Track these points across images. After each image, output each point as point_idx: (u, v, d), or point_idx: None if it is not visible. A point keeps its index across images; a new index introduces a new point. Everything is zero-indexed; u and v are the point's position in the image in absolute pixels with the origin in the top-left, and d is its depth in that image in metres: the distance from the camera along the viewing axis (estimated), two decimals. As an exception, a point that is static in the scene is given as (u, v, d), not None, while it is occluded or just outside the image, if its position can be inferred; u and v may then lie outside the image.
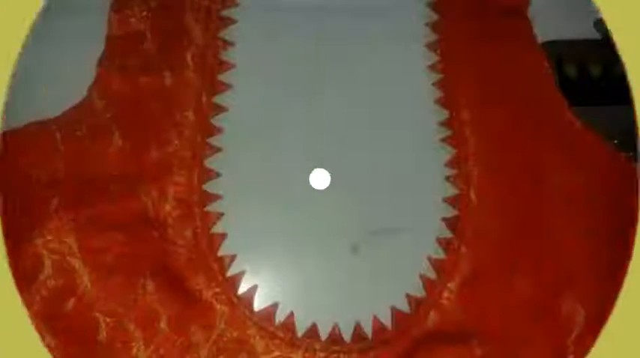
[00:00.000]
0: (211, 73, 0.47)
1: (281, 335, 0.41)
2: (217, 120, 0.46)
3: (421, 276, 0.43)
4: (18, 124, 0.44)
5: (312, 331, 0.42)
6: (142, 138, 0.44)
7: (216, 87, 0.47)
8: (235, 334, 0.41)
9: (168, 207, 0.43)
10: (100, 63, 0.45)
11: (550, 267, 0.43)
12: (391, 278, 0.44)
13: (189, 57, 0.46)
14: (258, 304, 0.43)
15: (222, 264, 0.43)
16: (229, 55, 0.48)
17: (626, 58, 0.40)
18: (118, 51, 0.46)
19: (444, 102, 0.47)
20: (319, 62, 0.49)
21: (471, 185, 0.45)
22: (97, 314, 0.40)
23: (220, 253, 0.43)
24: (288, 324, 0.42)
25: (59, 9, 0.48)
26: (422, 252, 0.44)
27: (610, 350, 0.37)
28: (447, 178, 0.45)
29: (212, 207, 0.44)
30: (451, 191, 0.45)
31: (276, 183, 0.46)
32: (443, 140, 0.46)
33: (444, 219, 0.45)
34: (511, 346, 0.42)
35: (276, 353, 0.41)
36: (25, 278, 0.41)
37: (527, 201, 0.44)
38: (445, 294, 0.43)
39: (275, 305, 0.43)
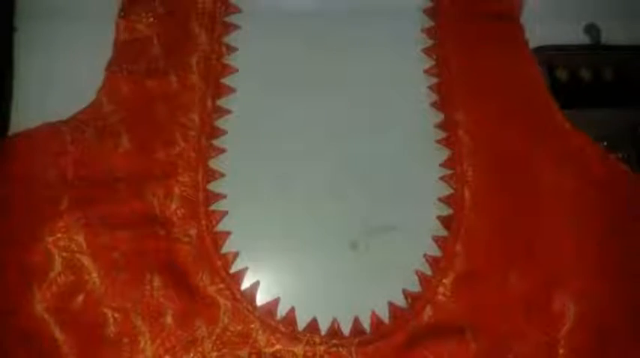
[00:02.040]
0: (215, 76, 0.47)
1: (282, 329, 0.42)
2: (221, 123, 0.47)
3: (417, 273, 0.44)
4: (29, 126, 0.45)
5: (313, 325, 0.43)
6: (148, 140, 0.45)
7: (220, 90, 0.47)
8: (238, 328, 0.42)
9: (173, 206, 0.44)
10: (109, 67, 0.46)
11: (542, 264, 0.44)
12: (388, 275, 0.45)
13: (194, 61, 0.47)
14: (261, 299, 0.43)
15: (226, 260, 0.44)
16: (232, 60, 0.49)
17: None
18: (126, 56, 0.47)
19: (439, 105, 0.48)
20: (319, 66, 0.50)
21: (466, 185, 0.45)
22: (106, 310, 0.41)
23: (224, 250, 0.44)
24: (290, 319, 0.43)
25: (68, 14, 0.49)
26: (418, 249, 0.45)
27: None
28: (443, 178, 0.46)
29: (216, 206, 0.45)
30: (446, 190, 0.46)
31: (278, 182, 0.46)
32: (438, 141, 0.47)
33: (440, 218, 0.46)
34: (504, 340, 0.42)
35: (278, 347, 0.42)
36: (36, 274, 0.41)
37: (519, 201, 0.45)
38: (440, 290, 0.43)
39: (276, 301, 0.43)
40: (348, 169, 0.47)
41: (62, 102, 0.45)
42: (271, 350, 0.42)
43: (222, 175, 0.46)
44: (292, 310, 0.43)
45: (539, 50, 0.49)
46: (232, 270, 0.44)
